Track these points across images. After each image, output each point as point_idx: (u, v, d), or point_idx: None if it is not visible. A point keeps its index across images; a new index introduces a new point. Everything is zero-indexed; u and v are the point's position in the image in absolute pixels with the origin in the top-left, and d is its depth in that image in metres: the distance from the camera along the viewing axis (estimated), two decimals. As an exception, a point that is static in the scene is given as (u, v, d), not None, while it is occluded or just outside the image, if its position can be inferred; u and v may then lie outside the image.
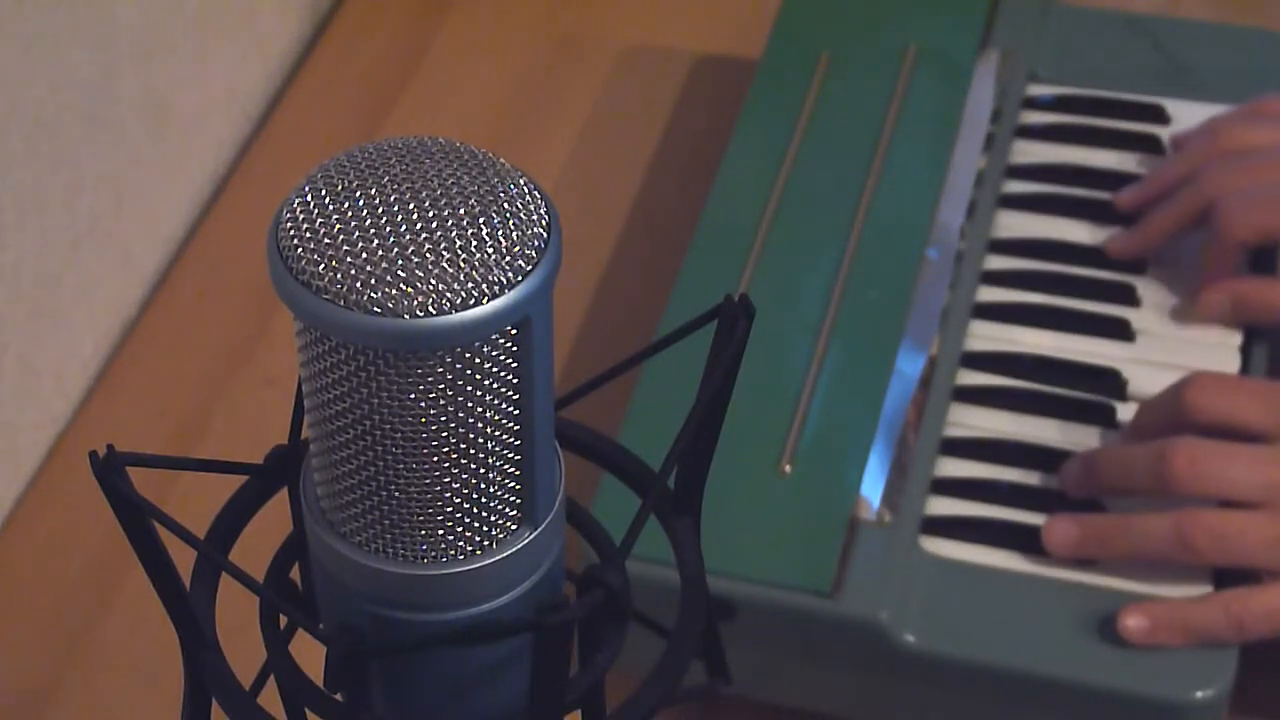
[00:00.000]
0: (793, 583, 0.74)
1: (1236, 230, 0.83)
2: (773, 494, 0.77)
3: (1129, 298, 0.86)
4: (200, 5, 1.01)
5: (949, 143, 0.91)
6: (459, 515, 0.42)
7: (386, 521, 0.42)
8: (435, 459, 0.41)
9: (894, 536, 0.76)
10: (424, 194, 0.39)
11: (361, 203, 0.39)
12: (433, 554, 0.42)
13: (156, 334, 0.97)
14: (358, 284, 0.38)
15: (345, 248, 0.39)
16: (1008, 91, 0.95)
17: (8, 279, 0.87)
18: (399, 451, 0.40)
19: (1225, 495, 0.74)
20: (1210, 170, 0.85)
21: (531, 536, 0.43)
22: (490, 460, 0.41)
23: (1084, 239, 0.89)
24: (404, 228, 0.39)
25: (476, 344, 0.39)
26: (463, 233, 0.39)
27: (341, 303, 0.38)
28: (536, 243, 0.39)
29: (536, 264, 0.39)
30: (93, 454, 0.42)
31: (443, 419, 0.40)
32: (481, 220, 0.39)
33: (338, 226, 0.39)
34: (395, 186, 0.40)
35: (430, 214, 0.39)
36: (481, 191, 0.40)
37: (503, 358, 0.40)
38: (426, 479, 0.41)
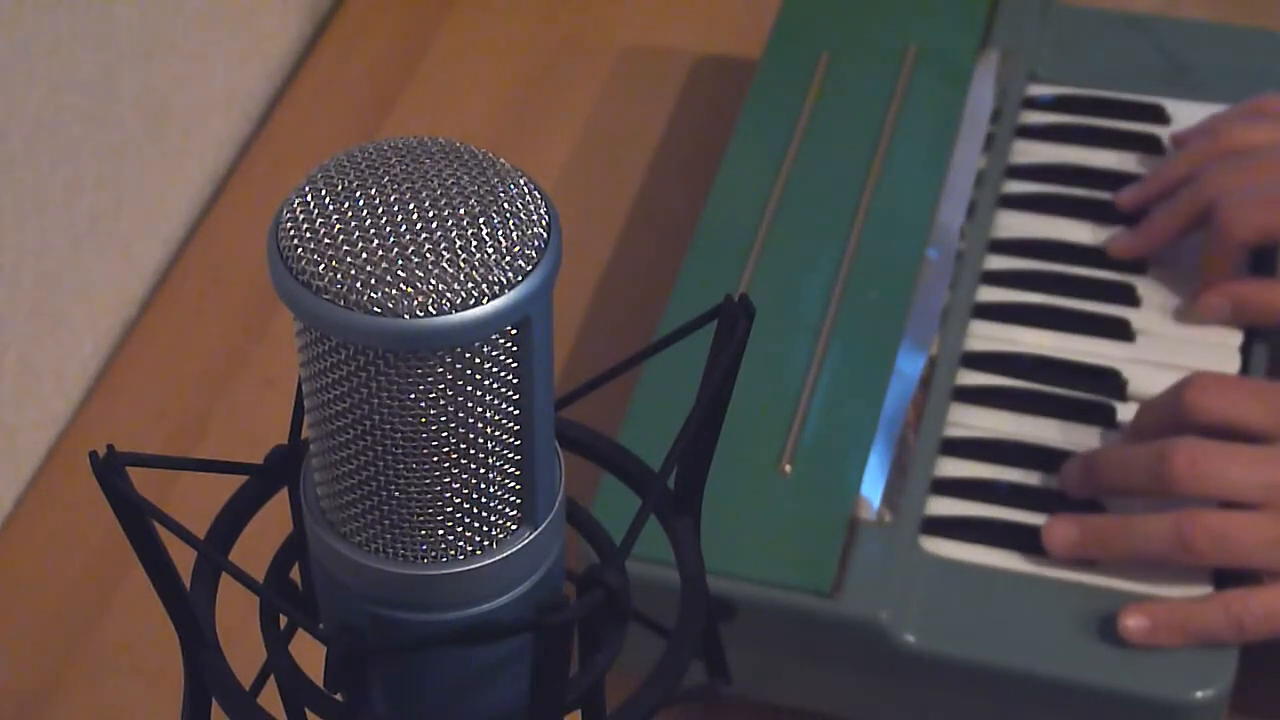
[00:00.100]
0: (793, 583, 0.74)
1: (1237, 230, 0.83)
2: (773, 494, 0.77)
3: (1129, 298, 0.86)
4: (200, 5, 1.01)
5: (949, 143, 0.91)
6: (459, 515, 0.42)
7: (386, 521, 0.42)
8: (435, 459, 0.41)
9: (894, 536, 0.76)
10: (424, 194, 0.39)
11: (361, 203, 0.39)
12: (433, 554, 0.42)
13: (156, 334, 0.97)
14: (358, 284, 0.38)
15: (345, 248, 0.39)
16: (1008, 91, 0.95)
17: (8, 279, 0.87)
18: (399, 451, 0.40)
19: (1225, 496, 0.74)
20: (1211, 170, 0.85)
21: (531, 536, 0.43)
22: (490, 460, 0.41)
23: (1084, 239, 0.89)
24: (404, 228, 0.39)
25: (476, 344, 0.39)
26: (463, 233, 0.39)
27: (341, 303, 0.38)
28: (536, 243, 0.39)
29: (536, 264, 0.39)
30: (93, 454, 0.42)
31: (443, 419, 0.40)
32: (481, 220, 0.39)
33: (338, 226, 0.39)
34: (395, 186, 0.40)
35: (430, 214, 0.39)
36: (481, 191, 0.40)
37: (503, 358, 0.40)
38: (426, 479, 0.41)
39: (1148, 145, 0.93)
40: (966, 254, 0.87)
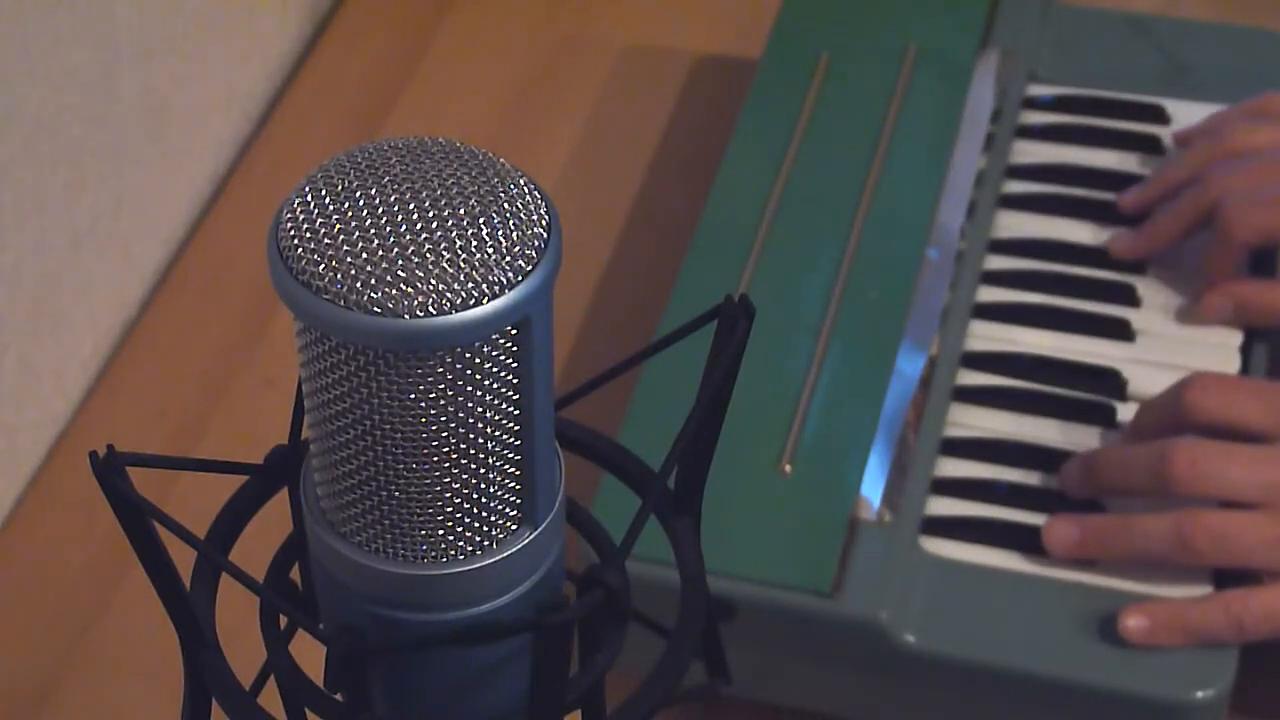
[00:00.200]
0: (793, 583, 0.74)
1: (1239, 231, 0.83)
2: (773, 494, 0.77)
3: (1129, 298, 0.86)
4: (200, 5, 1.01)
5: (949, 143, 0.91)
6: (459, 515, 0.42)
7: (386, 521, 0.42)
8: (435, 459, 0.41)
9: (894, 536, 0.76)
10: (424, 194, 0.39)
11: (361, 203, 0.39)
12: (433, 554, 0.42)
13: (156, 334, 0.97)
14: (358, 284, 0.38)
15: (345, 248, 0.39)
16: (1008, 91, 0.95)
17: (8, 279, 0.87)
18: (399, 451, 0.40)
19: (1225, 496, 0.74)
20: (1214, 172, 0.85)
21: (531, 536, 0.43)
22: (490, 460, 0.41)
23: (1084, 239, 0.89)
24: (404, 228, 0.39)
25: (476, 344, 0.39)
26: (463, 233, 0.39)
27: (341, 303, 0.38)
28: (536, 243, 0.39)
29: (536, 264, 0.39)
30: (93, 454, 0.42)
31: (443, 419, 0.40)
32: (481, 220, 0.39)
33: (338, 226, 0.39)
34: (395, 186, 0.40)
35: (430, 214, 0.39)
36: (481, 191, 0.40)
37: (503, 358, 0.40)
38: (426, 479, 0.41)
39: (1148, 145, 0.93)
40: (966, 254, 0.87)
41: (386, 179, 0.40)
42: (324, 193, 0.40)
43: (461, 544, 0.42)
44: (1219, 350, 0.84)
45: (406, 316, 0.38)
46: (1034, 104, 0.95)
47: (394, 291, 0.38)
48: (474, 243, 0.39)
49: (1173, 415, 0.77)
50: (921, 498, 0.78)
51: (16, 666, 0.83)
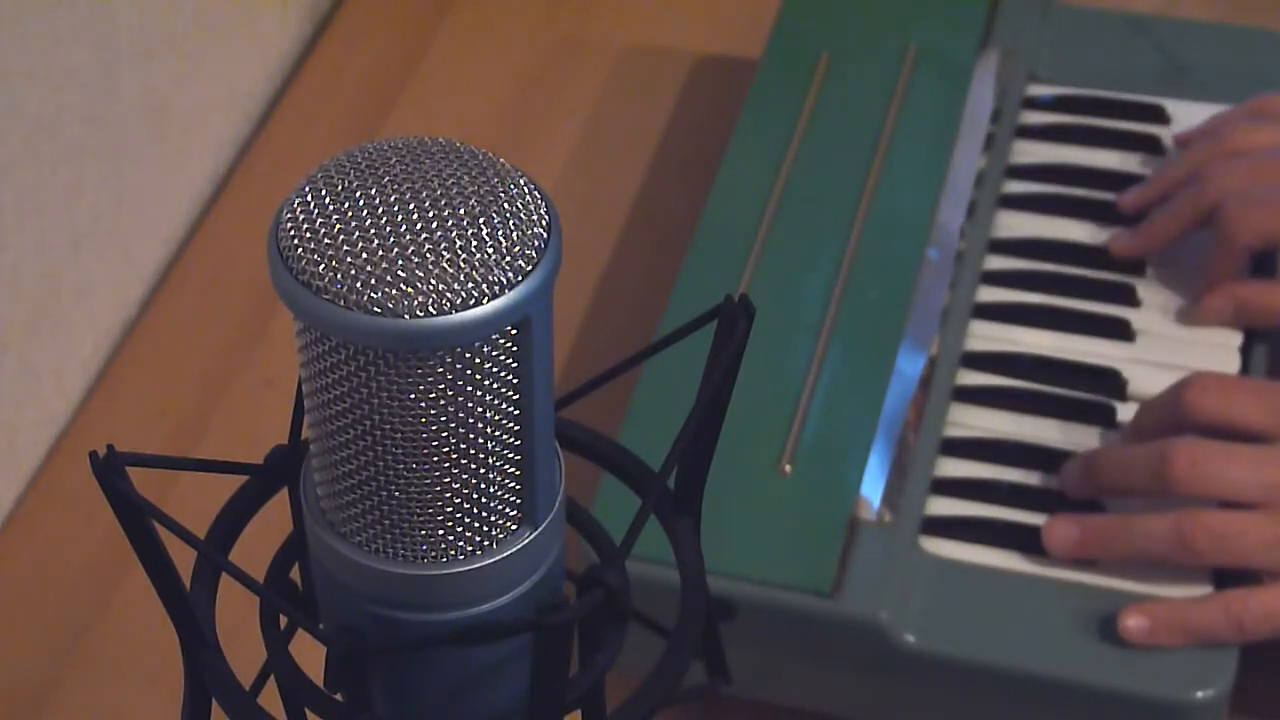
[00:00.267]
0: (793, 583, 0.74)
1: (1240, 234, 0.83)
2: (773, 494, 0.77)
3: (1129, 298, 0.86)
4: (200, 5, 1.01)
5: (949, 143, 0.91)
6: (459, 515, 0.42)
7: (386, 521, 0.42)
8: (435, 459, 0.41)
9: (894, 536, 0.76)
10: (424, 194, 0.39)
11: (361, 203, 0.39)
12: (433, 554, 0.42)
13: (156, 334, 0.97)
14: (358, 284, 0.38)
15: (345, 248, 0.39)
16: (1008, 91, 0.95)
17: (8, 279, 0.87)
18: (399, 451, 0.40)
19: (1225, 496, 0.74)
20: (1214, 171, 0.85)
21: (531, 536, 0.43)
22: (490, 460, 0.41)
23: (1084, 239, 0.89)
24: (404, 228, 0.39)
25: (476, 344, 0.39)
26: (463, 233, 0.39)
27: (341, 303, 0.38)
28: (536, 243, 0.39)
29: (536, 264, 0.39)
30: (93, 454, 0.42)
31: (443, 419, 0.40)
32: (481, 220, 0.39)
33: (338, 226, 0.39)
34: (395, 186, 0.40)
35: (430, 214, 0.39)
36: (481, 191, 0.40)
37: (503, 358, 0.40)
38: (426, 479, 0.41)
39: (1148, 145, 0.93)
40: (966, 254, 0.87)
41: (386, 179, 0.40)
42: (324, 193, 0.40)
43: (461, 544, 0.42)
44: (1219, 350, 0.84)
45: (406, 316, 0.38)
46: (1034, 104, 0.95)
47: (394, 291, 0.38)
48: (474, 243, 0.39)
49: (1173, 415, 0.77)
50: (921, 498, 0.78)
51: (16, 666, 0.83)
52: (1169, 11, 1.07)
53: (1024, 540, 0.77)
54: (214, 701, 0.46)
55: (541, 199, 0.40)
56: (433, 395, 0.39)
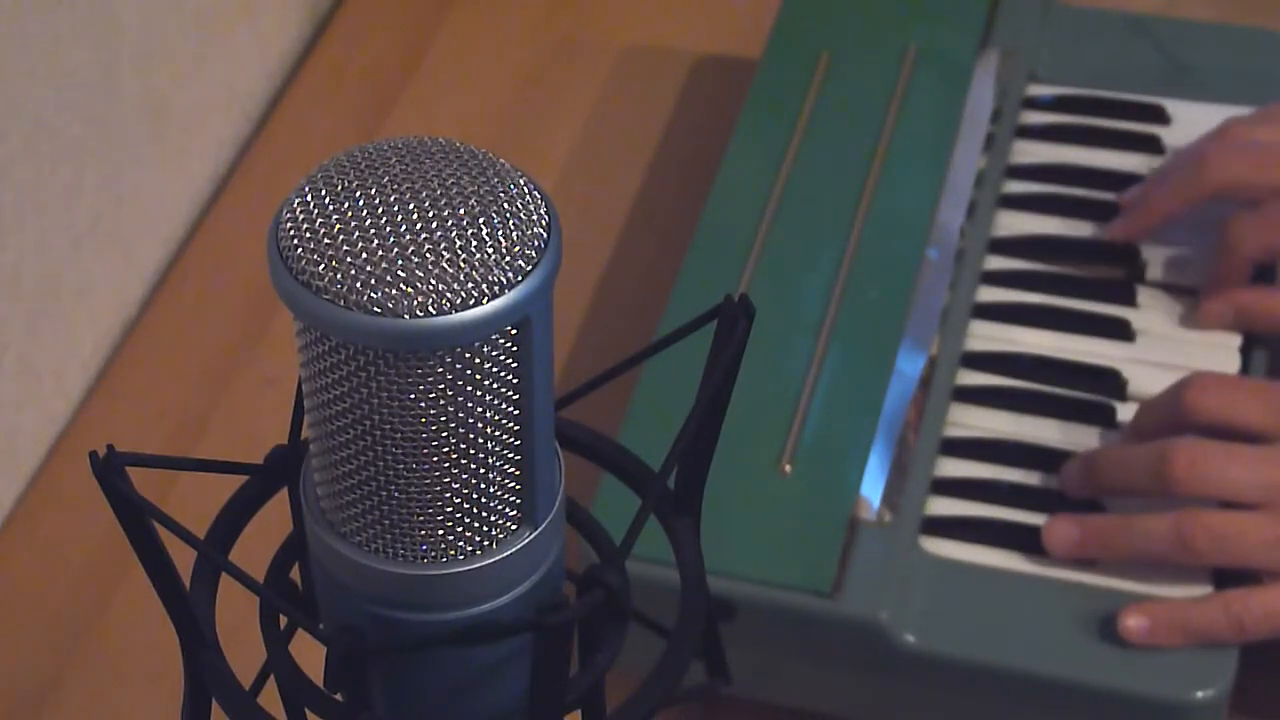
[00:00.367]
0: (793, 583, 0.74)
1: (1243, 246, 0.83)
2: (773, 494, 0.77)
3: (1129, 298, 0.86)
4: (200, 5, 1.01)
5: (949, 143, 0.91)
6: (459, 515, 0.42)
7: (386, 521, 0.42)
8: (435, 459, 0.41)
9: (894, 536, 0.76)
10: (424, 194, 0.39)
11: (361, 203, 0.39)
12: (433, 554, 0.42)
13: (156, 334, 0.97)
14: (358, 284, 0.38)
15: (345, 248, 0.39)
16: (1008, 91, 0.95)
17: (8, 279, 0.87)
18: (399, 451, 0.40)
19: (1225, 496, 0.74)
20: (1211, 154, 0.85)
21: (531, 536, 0.43)
22: (490, 460, 0.41)
23: (1084, 239, 0.89)
24: (404, 228, 0.39)
25: (476, 344, 0.39)
26: (463, 233, 0.39)
27: (341, 303, 0.38)
28: (536, 243, 0.39)
29: (536, 264, 0.39)
30: (93, 454, 0.42)
31: (443, 419, 0.40)
32: (481, 220, 0.39)
33: (338, 226, 0.39)
34: (395, 186, 0.40)
35: (430, 214, 0.39)
36: (481, 191, 0.40)
37: (503, 358, 0.40)
38: (426, 479, 0.41)
39: (1148, 145, 0.93)
40: (966, 254, 0.87)
41: (386, 179, 0.40)
42: (324, 193, 0.40)
43: (461, 544, 0.42)
44: (1219, 350, 0.84)
45: (406, 316, 0.38)
46: (1034, 104, 0.95)
47: (394, 291, 0.38)
48: (474, 243, 0.39)
49: (1173, 415, 0.77)
50: (921, 498, 0.78)
51: (16, 666, 0.83)
52: (1169, 11, 1.07)
53: (1024, 540, 0.77)
54: (214, 701, 0.46)
55: (541, 199, 0.40)
56: (433, 395, 0.39)
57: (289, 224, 0.39)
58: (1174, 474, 0.74)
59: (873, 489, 0.77)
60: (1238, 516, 0.74)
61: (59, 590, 0.86)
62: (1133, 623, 0.73)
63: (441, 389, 0.39)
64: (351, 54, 1.11)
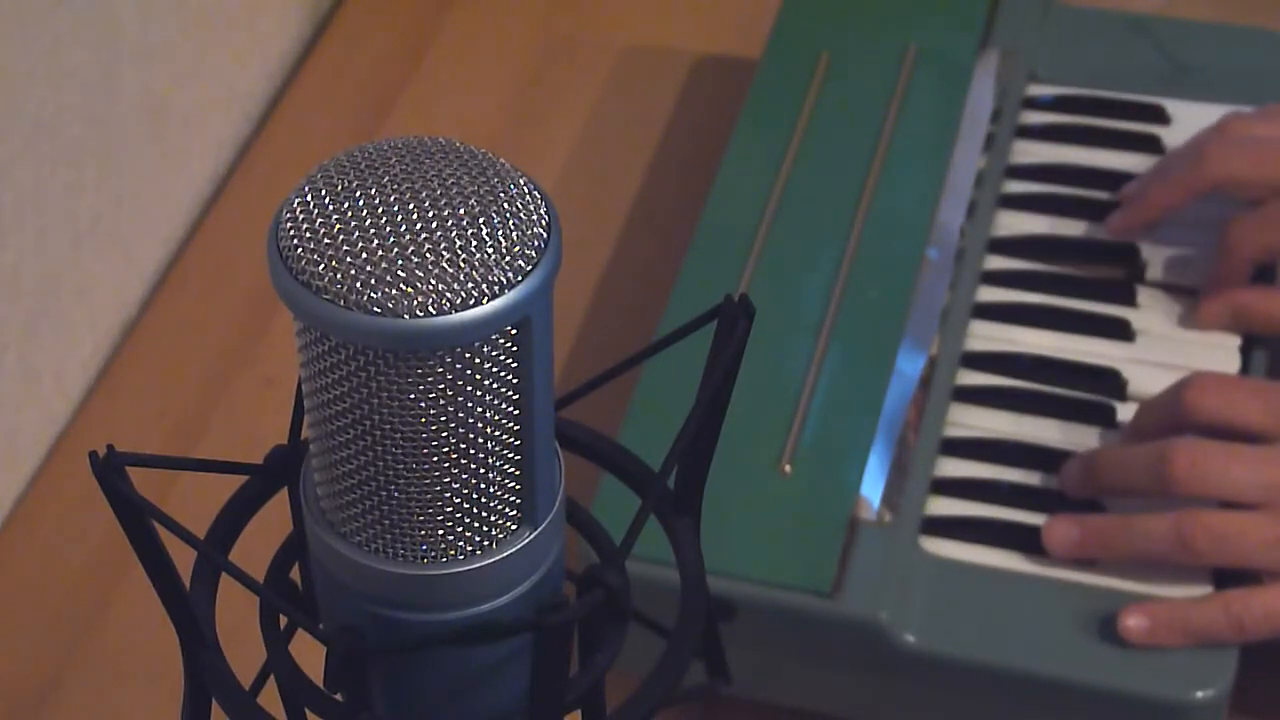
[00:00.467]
0: (793, 583, 0.74)
1: (1243, 247, 0.83)
2: (773, 494, 0.77)
3: (1129, 298, 0.86)
4: (200, 5, 1.01)
5: (949, 143, 0.91)
6: (459, 515, 0.42)
7: (386, 521, 0.42)
8: (435, 459, 0.41)
9: (894, 536, 0.76)
10: (424, 194, 0.39)
11: (361, 203, 0.39)
12: (433, 554, 0.42)
13: (156, 334, 0.97)
14: (358, 284, 0.38)
15: (345, 248, 0.39)
16: (1008, 91, 0.95)
17: (8, 279, 0.87)
18: (399, 451, 0.40)
19: (1226, 496, 0.74)
20: (1210, 148, 0.85)
21: (531, 536, 0.43)
22: (490, 460, 0.41)
23: (1084, 239, 0.89)
24: (404, 228, 0.39)
25: (476, 344, 0.39)
26: (463, 233, 0.39)
27: (341, 303, 0.38)
28: (536, 243, 0.39)
29: (536, 264, 0.39)
30: (93, 454, 0.42)
31: (443, 419, 0.40)
32: (481, 220, 0.39)
33: (338, 226, 0.39)
34: (395, 186, 0.40)
35: (430, 214, 0.39)
36: (481, 191, 0.40)
37: (503, 358, 0.40)
38: (426, 479, 0.41)
39: (1148, 145, 0.93)
40: (966, 254, 0.87)
41: (386, 179, 0.40)
42: (324, 193, 0.40)
43: (461, 544, 0.42)
44: (1219, 350, 0.84)
45: (406, 316, 0.38)
46: (1034, 104, 0.95)
47: (394, 291, 0.38)
48: (474, 243, 0.39)
49: (1173, 415, 0.77)
50: (921, 498, 0.78)
51: (16, 666, 0.83)
52: (1169, 11, 1.07)
53: (1024, 540, 0.77)
54: (214, 701, 0.46)
55: (541, 199, 0.40)
56: (433, 395, 0.39)
57: (289, 224, 0.39)
58: (1174, 474, 0.74)
59: (873, 489, 0.77)
60: (1238, 516, 0.74)
61: (59, 590, 0.86)
62: (1133, 623, 0.73)
63: (441, 389, 0.39)
64: (351, 54, 1.11)
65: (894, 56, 0.95)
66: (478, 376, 0.40)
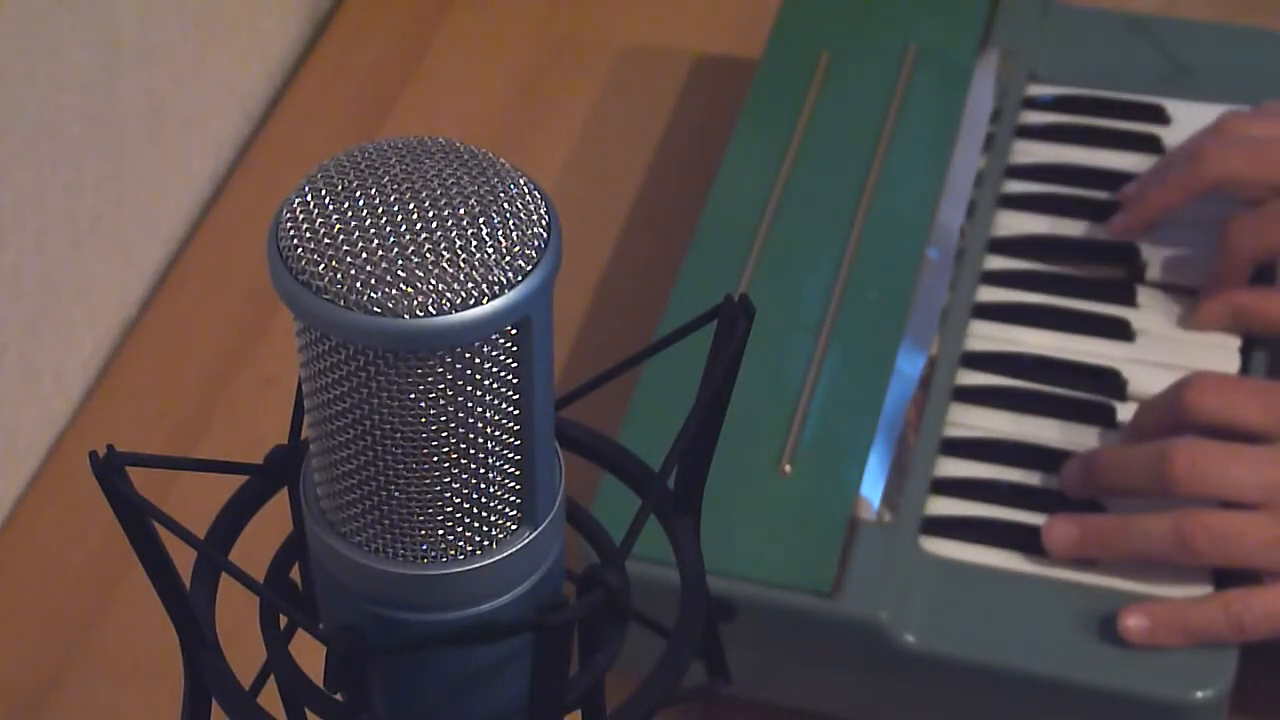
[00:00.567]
0: (793, 583, 0.74)
1: (1243, 247, 0.83)
2: (773, 494, 0.77)
3: (1129, 298, 0.86)
4: (200, 5, 1.01)
5: (949, 143, 0.91)
6: (459, 515, 0.42)
7: (386, 521, 0.42)
8: (435, 459, 0.40)
9: (894, 536, 0.76)
10: (424, 194, 0.39)
11: (361, 203, 0.39)
12: (433, 554, 0.42)
13: (156, 334, 0.97)
14: (358, 284, 0.38)
15: (345, 248, 0.39)
16: (1008, 91, 0.95)
17: (8, 279, 0.87)
18: (399, 451, 0.40)
19: (1225, 496, 0.74)
20: (1208, 148, 0.85)
21: (531, 536, 0.43)
22: (490, 460, 0.41)
23: (1084, 239, 0.89)
24: (404, 228, 0.39)
25: (476, 344, 0.39)
26: (463, 233, 0.39)
27: (341, 303, 0.38)
28: (536, 243, 0.39)
29: (536, 264, 0.39)
30: (93, 454, 0.42)
31: (443, 419, 0.40)
32: (481, 220, 0.39)
33: (338, 226, 0.39)
34: (395, 186, 0.40)
35: (430, 214, 0.39)
36: (481, 191, 0.40)
37: (503, 358, 0.40)
38: (426, 479, 0.41)
39: (1148, 145, 0.93)
40: (966, 254, 0.87)
41: (386, 179, 0.40)
42: (324, 193, 0.40)
43: (461, 544, 0.42)
44: (1219, 350, 0.84)
45: (406, 316, 0.38)
46: (1034, 104, 0.95)
47: (394, 291, 0.38)
48: (474, 243, 0.39)
49: (1173, 415, 0.77)
50: (921, 498, 0.78)
51: (16, 666, 0.83)
52: (1169, 11, 1.07)
53: (1024, 540, 0.77)
54: (214, 701, 0.46)
55: (541, 199, 0.40)
56: (433, 395, 0.39)
57: (289, 224, 0.39)
58: (1174, 474, 0.74)
59: (873, 489, 0.77)
60: (1238, 516, 0.74)
61: (59, 590, 0.86)
62: (1133, 623, 0.73)
63: (441, 389, 0.39)
64: (351, 54, 1.11)
65: (894, 56, 0.95)
66: (478, 376, 0.40)
